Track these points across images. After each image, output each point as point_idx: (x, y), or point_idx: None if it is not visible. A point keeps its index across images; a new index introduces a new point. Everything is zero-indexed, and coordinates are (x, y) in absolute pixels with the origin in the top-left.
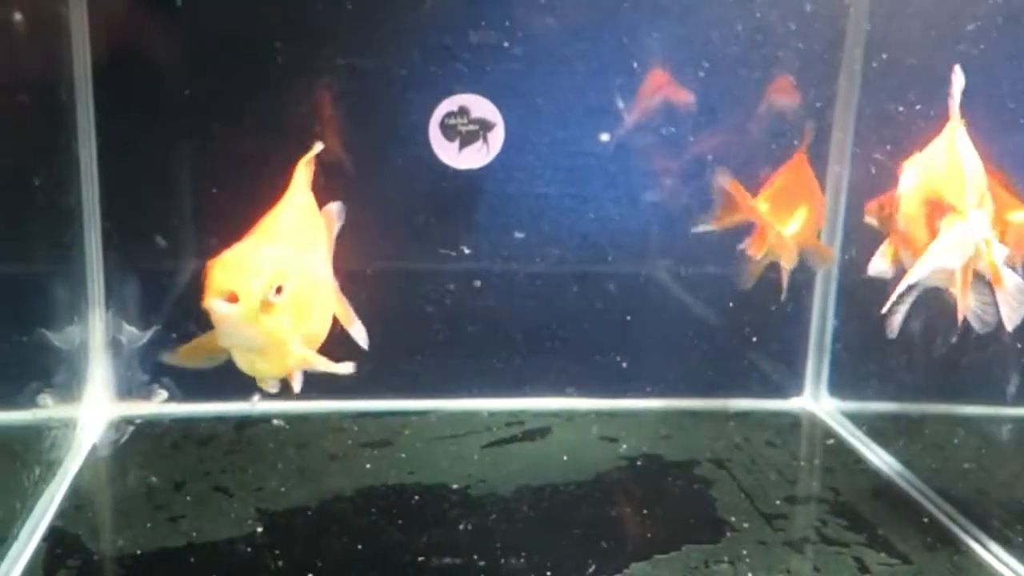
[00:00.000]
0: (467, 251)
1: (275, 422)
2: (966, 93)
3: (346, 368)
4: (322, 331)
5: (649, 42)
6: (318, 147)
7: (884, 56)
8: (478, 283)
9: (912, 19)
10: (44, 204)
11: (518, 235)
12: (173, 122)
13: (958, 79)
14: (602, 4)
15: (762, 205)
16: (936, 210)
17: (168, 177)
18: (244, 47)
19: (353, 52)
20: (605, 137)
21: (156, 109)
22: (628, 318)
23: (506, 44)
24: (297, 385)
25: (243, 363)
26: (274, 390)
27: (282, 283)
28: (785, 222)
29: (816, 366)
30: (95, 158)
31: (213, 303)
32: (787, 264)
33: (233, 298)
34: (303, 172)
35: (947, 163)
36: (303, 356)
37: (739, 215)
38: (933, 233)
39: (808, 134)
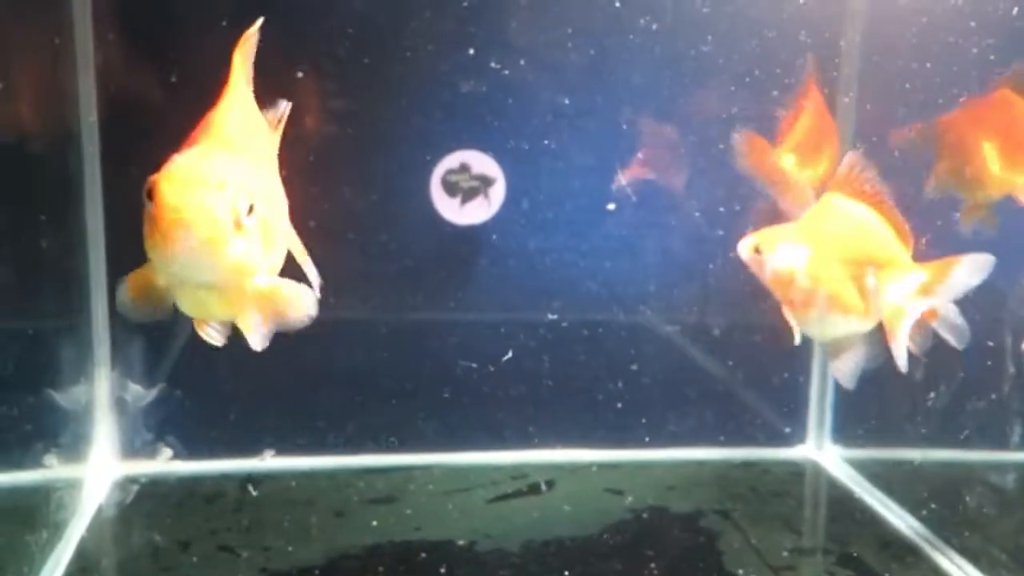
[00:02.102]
0: (469, 306)
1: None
2: None
3: (312, 294)
4: (280, 262)
5: (647, 96)
6: (258, 23)
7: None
8: (502, 353)
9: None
10: (52, 266)
11: (521, 289)
12: None
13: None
14: (601, 59)
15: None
16: (860, 268)
17: None
18: None
19: (355, 110)
20: (612, 206)
21: None
22: (631, 368)
23: (507, 100)
24: (256, 339)
25: (189, 303)
26: (220, 342)
27: (251, 200)
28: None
29: (819, 414)
30: (102, 221)
31: (173, 228)
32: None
33: (197, 221)
34: (241, 63)
35: (857, 223)
36: (265, 289)
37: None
38: (863, 290)
39: (811, 62)
